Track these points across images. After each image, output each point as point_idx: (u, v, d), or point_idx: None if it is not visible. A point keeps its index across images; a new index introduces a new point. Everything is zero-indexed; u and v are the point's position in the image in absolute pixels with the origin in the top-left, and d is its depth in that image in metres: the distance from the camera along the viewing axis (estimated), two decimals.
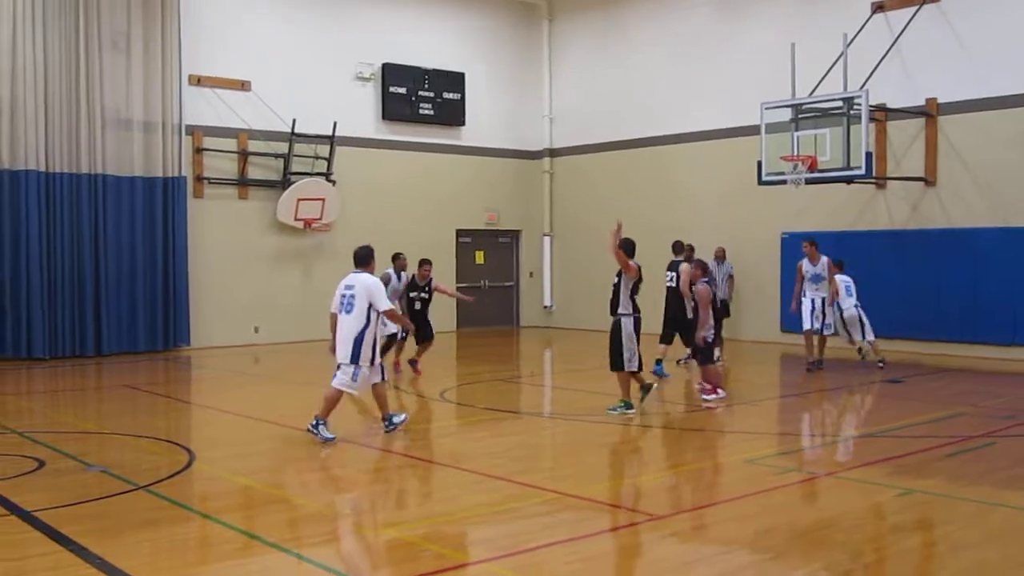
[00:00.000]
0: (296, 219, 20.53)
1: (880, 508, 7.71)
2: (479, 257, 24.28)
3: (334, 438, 9.94)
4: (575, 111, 24.22)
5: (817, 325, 15.36)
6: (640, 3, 22.67)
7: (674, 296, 14.86)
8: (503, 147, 24.40)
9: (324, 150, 21.10)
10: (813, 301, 15.38)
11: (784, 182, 16.44)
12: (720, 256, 18.37)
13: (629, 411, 11.47)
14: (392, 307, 10.61)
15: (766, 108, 16.95)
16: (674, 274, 14.98)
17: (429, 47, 22.97)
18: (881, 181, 17.87)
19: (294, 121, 20.37)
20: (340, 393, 10.15)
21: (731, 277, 18.77)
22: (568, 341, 21.98)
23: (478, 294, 23.99)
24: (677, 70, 21.76)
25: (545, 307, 24.78)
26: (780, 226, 19.16)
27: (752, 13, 20.43)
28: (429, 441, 10.36)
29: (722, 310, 16.39)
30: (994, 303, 16.69)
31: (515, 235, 24.93)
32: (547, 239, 24.85)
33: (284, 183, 20.57)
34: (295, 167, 20.73)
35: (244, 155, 20.28)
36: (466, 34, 23.87)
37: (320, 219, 20.76)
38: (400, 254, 15.66)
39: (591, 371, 15.74)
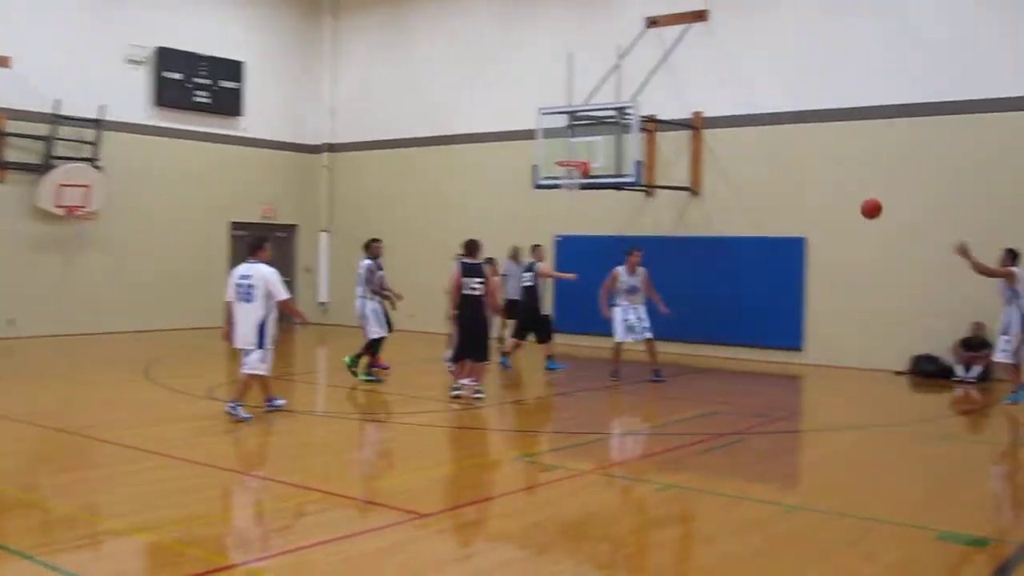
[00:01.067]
0: (58, 206, 19.40)
1: (640, 502, 8.06)
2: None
3: (251, 417, 10.61)
4: (356, 107, 24.05)
5: (630, 337, 14.71)
6: (424, 4, 22.74)
7: (529, 295, 15.74)
8: (282, 140, 23.90)
9: (91, 134, 20.04)
10: (626, 311, 14.78)
11: (558, 186, 16.87)
12: (514, 255, 18.18)
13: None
14: (289, 297, 11.09)
15: (543, 114, 17.36)
16: (532, 274, 15.83)
17: (207, 33, 22.21)
18: (650, 189, 18.63)
19: (58, 102, 19.26)
20: (252, 376, 10.80)
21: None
22: (343, 338, 21.74)
23: None
24: (458, 72, 21.97)
25: (321, 303, 24.46)
26: (554, 228, 19.65)
27: (532, 21, 20.87)
28: (193, 441, 10.01)
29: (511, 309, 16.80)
30: (752, 307, 17.73)
31: (292, 230, 24.48)
32: (324, 235, 24.53)
33: (46, 167, 19.39)
34: (59, 151, 19.57)
35: (1, 136, 18.99)
36: (247, 22, 23.24)
37: (84, 207, 19.70)
38: (376, 240, 14.66)
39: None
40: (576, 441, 10.62)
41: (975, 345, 15.41)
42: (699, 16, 18.37)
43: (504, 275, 17.44)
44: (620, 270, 14.71)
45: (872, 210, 12.83)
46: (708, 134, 18.38)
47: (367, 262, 14.29)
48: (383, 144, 23.38)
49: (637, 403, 13.31)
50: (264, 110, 23.36)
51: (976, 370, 15.22)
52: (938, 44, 16.16)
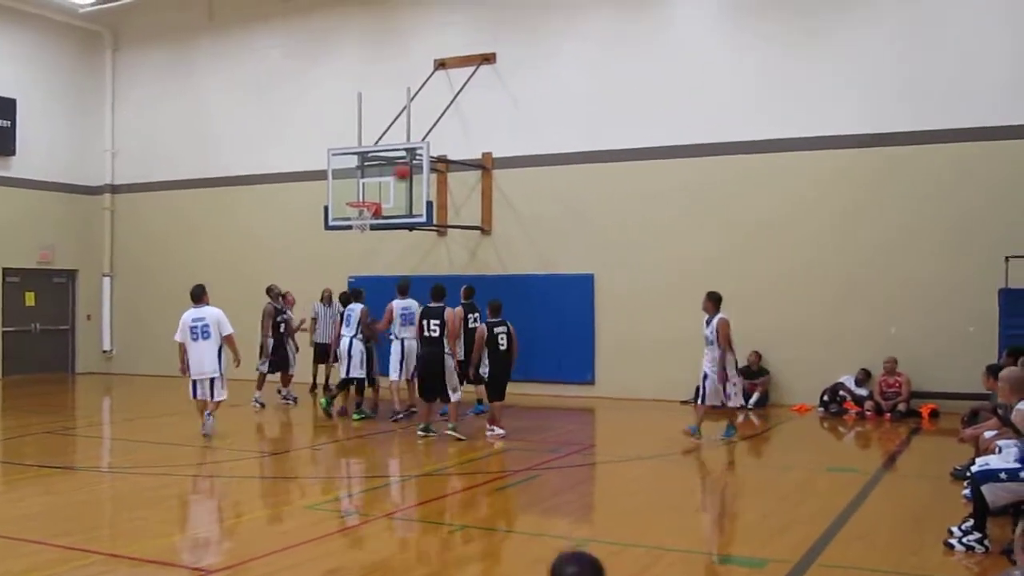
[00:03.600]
0: None
1: (437, 544, 8.05)
2: (29, 299, 22.37)
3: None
4: (139, 147, 23.17)
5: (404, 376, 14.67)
6: (209, 40, 22.22)
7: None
8: (59, 180, 22.76)
9: None
10: (403, 342, 14.66)
11: (350, 227, 16.77)
12: (327, 297, 17.79)
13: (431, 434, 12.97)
14: (232, 332, 13.17)
15: (333, 155, 17.26)
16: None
17: None
18: (442, 229, 18.80)
19: None
20: (218, 404, 13.07)
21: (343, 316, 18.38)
22: (130, 387, 20.87)
23: (28, 339, 22.20)
24: (246, 110, 21.57)
25: (104, 351, 23.35)
26: (348, 269, 19.50)
27: (321, 60, 20.75)
28: None
29: (327, 353, 16.55)
30: (544, 343, 18.06)
31: (71, 275, 23.30)
32: (107, 279, 23.45)
33: None
34: None
35: None
36: (19, 58, 22.09)
37: None
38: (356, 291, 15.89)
39: (152, 419, 15.06)
40: (369, 486, 10.54)
41: (753, 373, 16.24)
42: (486, 59, 18.76)
43: (314, 318, 17.25)
44: (395, 302, 14.75)
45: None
46: (498, 174, 18.73)
47: (359, 306, 15.10)
48: (168, 185, 22.62)
49: (430, 443, 13.25)
50: (39, 150, 22.22)
51: (755, 396, 16.04)
52: (716, 87, 17.09)
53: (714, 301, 12.85)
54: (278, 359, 16.53)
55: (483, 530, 8.34)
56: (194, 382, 13.06)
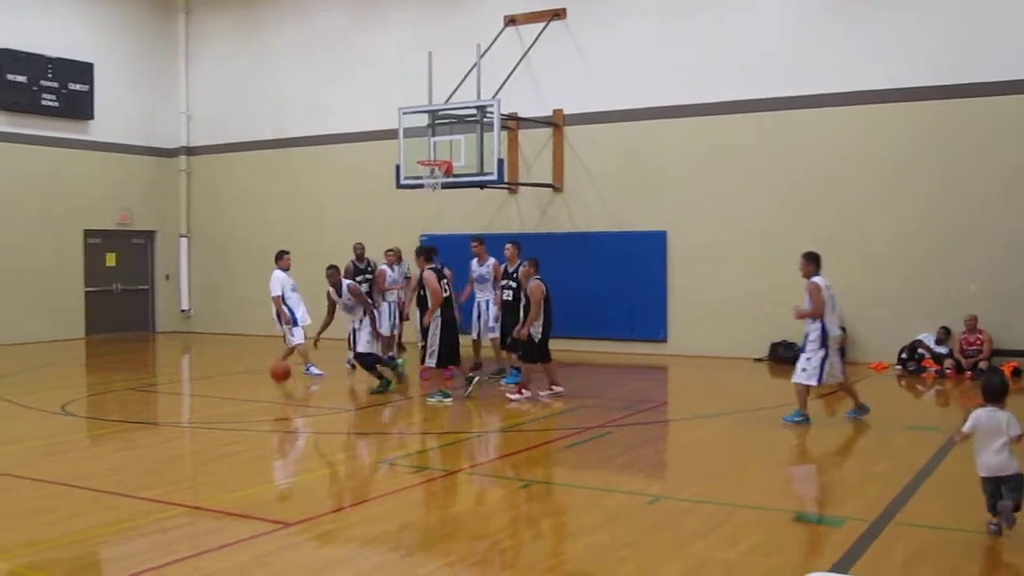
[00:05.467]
0: None
1: (507, 500, 8.10)
2: (110, 259, 22.89)
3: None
4: (213, 109, 23.48)
5: (485, 332, 14.70)
6: (278, 2, 22.34)
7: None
8: (136, 144, 23.17)
9: None
10: (479, 304, 14.85)
11: (421, 186, 16.82)
12: (396, 257, 17.84)
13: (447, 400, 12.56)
14: (275, 295, 14.68)
15: (403, 113, 17.27)
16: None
17: (54, 34, 21.34)
18: (513, 187, 18.76)
19: None
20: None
21: (408, 279, 18.52)
22: (208, 346, 21.28)
23: (110, 299, 22.72)
24: (316, 72, 21.69)
25: (183, 311, 23.83)
26: (419, 228, 19.57)
27: (388, 19, 20.75)
28: (45, 459, 9.62)
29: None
30: (616, 301, 18.03)
31: (150, 236, 23.77)
32: (183, 240, 23.88)
33: None
34: None
35: None
36: (96, 23, 22.43)
37: None
38: (391, 249, 15.76)
39: (230, 377, 15.35)
40: (441, 442, 10.63)
41: None
42: (557, 14, 18.57)
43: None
44: (472, 262, 14.88)
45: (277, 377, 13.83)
46: (569, 131, 18.59)
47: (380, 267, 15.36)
48: (242, 146, 22.90)
49: (500, 402, 13.26)
50: (117, 113, 22.60)
51: None
52: (789, 40, 16.73)
53: (812, 261, 11.12)
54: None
55: (555, 485, 8.36)
56: None
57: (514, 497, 8.16)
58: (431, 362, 12.67)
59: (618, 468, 9.09)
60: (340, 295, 13.72)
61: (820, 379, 10.86)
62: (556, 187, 18.72)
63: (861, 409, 11.27)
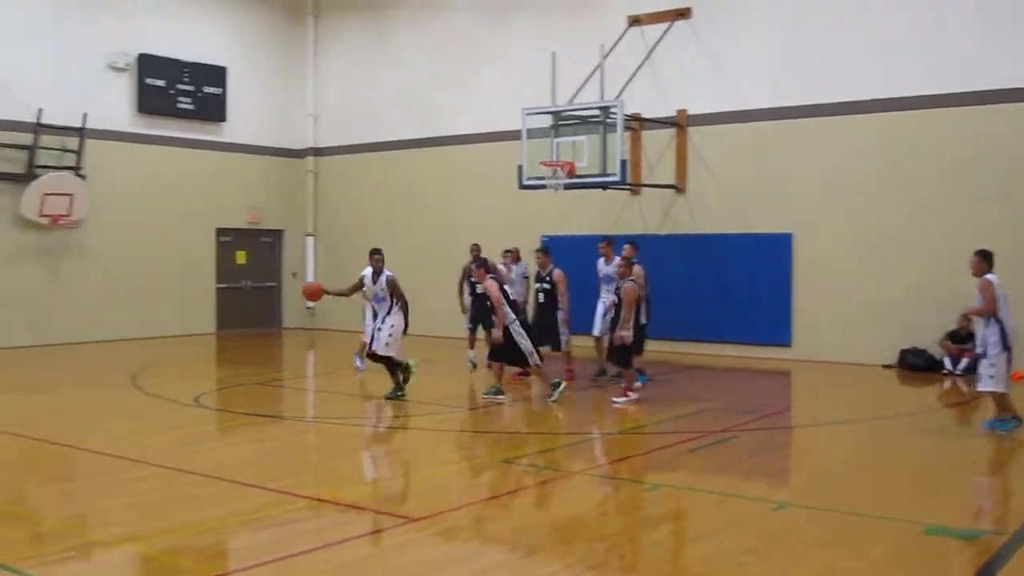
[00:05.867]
0: (41, 215, 19.29)
1: (629, 502, 8.05)
2: (240, 257, 23.61)
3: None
4: (339, 110, 23.99)
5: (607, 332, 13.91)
6: (405, 5, 22.68)
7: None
8: (266, 145, 23.84)
9: (73, 143, 19.94)
10: (604, 304, 14.76)
11: (544, 187, 16.84)
12: (514, 257, 18.08)
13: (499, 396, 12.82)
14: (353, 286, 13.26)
15: (527, 114, 17.32)
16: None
17: (189, 39, 22.11)
18: (635, 188, 18.64)
19: (40, 111, 19.16)
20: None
21: (526, 278, 18.64)
22: (331, 342, 21.73)
23: (240, 295, 23.40)
24: (440, 73, 21.93)
25: (308, 308, 24.38)
26: (541, 229, 19.61)
27: (513, 20, 20.85)
28: (181, 449, 9.97)
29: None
30: (739, 304, 17.76)
31: (278, 235, 24.41)
32: (310, 239, 24.47)
33: (29, 177, 19.29)
34: (41, 160, 19.48)
35: None
36: (229, 27, 23.16)
37: (68, 216, 19.60)
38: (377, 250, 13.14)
39: (353, 373, 15.62)
40: (562, 442, 10.61)
41: (963, 338, 15.43)
42: (682, 14, 18.38)
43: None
44: (600, 262, 14.96)
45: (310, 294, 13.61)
46: (693, 131, 18.39)
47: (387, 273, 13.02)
48: (367, 147, 23.33)
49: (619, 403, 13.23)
50: (248, 115, 23.29)
51: (964, 363, 15.24)
52: (923, 37, 16.20)
53: (985, 259, 10.59)
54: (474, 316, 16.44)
55: (677, 489, 8.27)
56: None
57: (635, 500, 8.11)
58: (536, 360, 12.84)
59: (742, 473, 8.95)
60: (375, 283, 12.81)
61: (1008, 383, 10.42)
62: (679, 188, 18.53)
63: (1010, 421, 10.57)
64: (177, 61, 21.74)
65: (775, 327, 17.56)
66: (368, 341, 13.44)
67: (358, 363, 15.68)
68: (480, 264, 13.56)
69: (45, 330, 19.48)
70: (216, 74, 22.53)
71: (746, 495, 8.02)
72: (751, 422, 11.42)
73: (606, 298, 14.69)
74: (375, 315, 13.12)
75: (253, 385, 15.08)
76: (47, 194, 19.27)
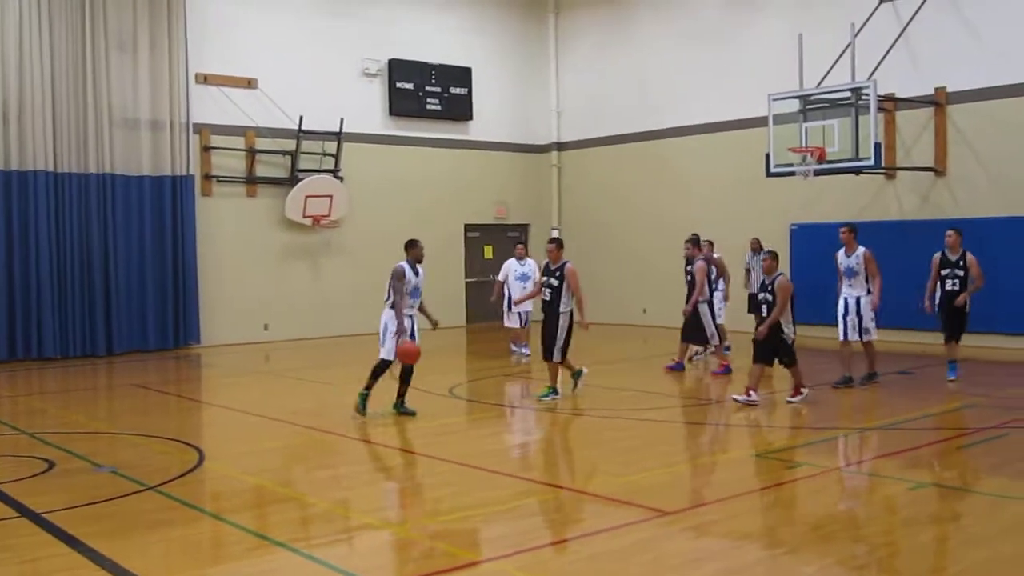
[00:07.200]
0: (304, 216, 20.52)
1: (892, 502, 7.68)
2: (488, 251, 24.23)
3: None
4: (582, 104, 24.18)
5: (852, 335, 12.86)
6: None
7: None
8: (511, 141, 24.35)
9: (331, 147, 21.07)
10: (846, 301, 12.96)
11: (792, 174, 16.36)
12: (756, 247, 17.96)
13: (556, 396, 12.31)
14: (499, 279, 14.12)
15: (774, 99, 16.87)
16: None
17: (436, 42, 22.91)
18: (890, 171, 17.79)
19: (301, 118, 20.36)
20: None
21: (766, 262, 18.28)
22: (576, 335, 21.88)
23: (488, 289, 23.99)
24: (684, 62, 21.69)
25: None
26: (789, 217, 19.08)
27: (759, 4, 20.34)
28: (437, 438, 10.35)
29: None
30: (1005, 293, 16.58)
31: (524, 229, 24.89)
32: (555, 233, 24.78)
33: (292, 180, 20.56)
34: (303, 164, 20.72)
35: (252, 153, 20.29)
36: (472, 29, 23.81)
37: (328, 216, 20.74)
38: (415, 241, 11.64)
39: (601, 365, 15.70)
40: (819, 437, 10.26)
41: None
42: None
43: (747, 268, 17.24)
44: (839, 253, 13.11)
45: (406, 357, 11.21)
46: (953, 110, 17.34)
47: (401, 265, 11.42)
48: (610, 140, 23.41)
49: (882, 397, 12.64)
50: (492, 113, 23.87)
51: None
52: None
53: None
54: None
55: (944, 489, 7.83)
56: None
57: (898, 499, 7.72)
58: (558, 357, 12.36)
59: (1017, 474, 8.35)
60: (416, 274, 11.38)
61: None
62: (938, 171, 17.52)
63: None
64: (425, 64, 22.55)
65: None
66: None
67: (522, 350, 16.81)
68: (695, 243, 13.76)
69: (310, 324, 20.68)
70: (462, 75, 23.21)
71: (1022, 496, 7.49)
72: None
73: (849, 294, 13.02)
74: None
75: (501, 376, 15.44)
76: (309, 196, 20.45)
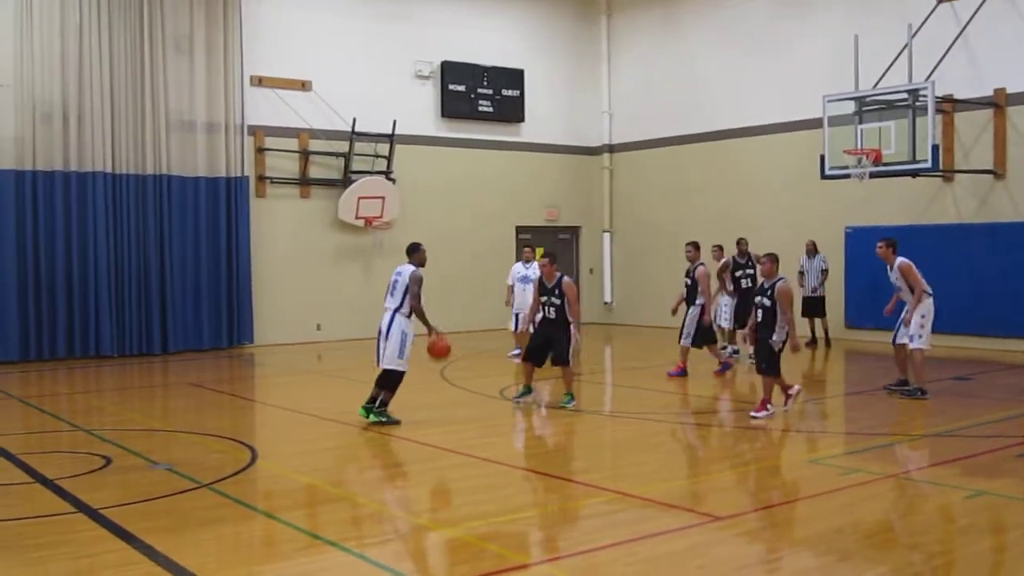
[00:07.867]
0: (357, 217, 20.68)
1: (949, 510, 7.55)
2: (538, 254, 24.15)
3: None
4: (633, 106, 24.09)
5: (901, 338, 12.37)
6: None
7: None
8: (562, 143, 24.33)
9: (384, 148, 21.21)
10: (901, 305, 12.62)
11: (848, 176, 16.18)
12: (811, 249, 17.94)
13: (574, 403, 12.03)
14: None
15: (828, 101, 16.70)
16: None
17: (488, 44, 22.97)
18: (948, 174, 17.53)
19: (354, 120, 20.51)
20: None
21: (824, 271, 18.19)
22: (628, 338, 21.86)
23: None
24: (736, 63, 21.53)
25: (605, 303, 24.68)
26: (843, 220, 18.87)
27: (813, 6, 20.14)
28: (488, 440, 10.36)
29: (817, 306, 16.74)
30: None
31: (575, 231, 24.85)
32: (607, 235, 24.73)
33: (345, 182, 20.73)
34: (356, 166, 20.89)
35: (305, 154, 20.48)
36: (524, 30, 23.84)
37: (380, 217, 20.88)
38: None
39: (652, 368, 15.65)
40: (873, 443, 10.12)
41: None
42: None
43: (801, 271, 17.20)
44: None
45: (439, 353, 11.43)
46: (1013, 111, 17.04)
47: (409, 268, 11.62)
48: (662, 142, 23.30)
49: (937, 403, 12.43)
50: (544, 115, 23.87)
51: None
52: None
53: None
54: (740, 314, 15.70)
55: (1002, 498, 7.68)
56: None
57: (954, 508, 7.58)
58: (573, 362, 12.06)
59: None
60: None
61: None
62: (998, 173, 17.22)
63: None
64: (476, 66, 22.62)
65: None
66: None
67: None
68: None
69: (362, 325, 20.78)
70: (514, 77, 23.23)
71: None
72: None
73: (904, 298, 12.39)
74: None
75: (553, 379, 15.39)
76: (361, 198, 20.60)
